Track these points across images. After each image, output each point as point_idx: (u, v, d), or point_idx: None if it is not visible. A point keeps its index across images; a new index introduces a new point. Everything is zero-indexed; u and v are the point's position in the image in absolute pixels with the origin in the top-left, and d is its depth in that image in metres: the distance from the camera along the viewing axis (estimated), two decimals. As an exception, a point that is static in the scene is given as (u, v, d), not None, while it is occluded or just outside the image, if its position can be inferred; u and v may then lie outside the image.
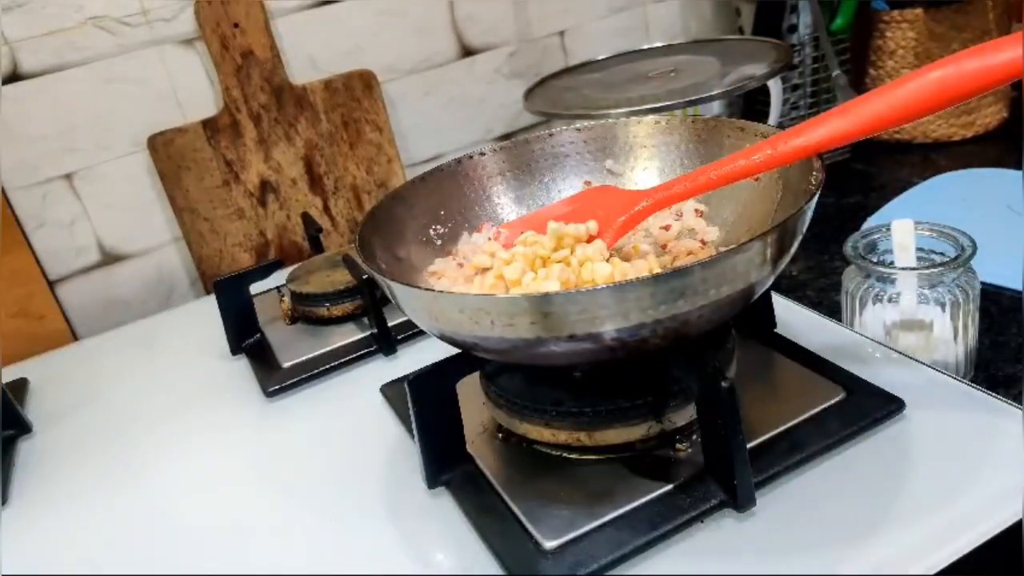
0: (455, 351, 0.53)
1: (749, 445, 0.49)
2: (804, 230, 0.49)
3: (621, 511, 0.48)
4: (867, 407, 0.53)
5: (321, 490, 0.58)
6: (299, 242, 1.02)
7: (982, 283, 0.61)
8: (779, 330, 0.63)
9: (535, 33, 1.12)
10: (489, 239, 0.61)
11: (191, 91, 0.96)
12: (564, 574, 0.45)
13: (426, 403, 0.53)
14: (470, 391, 0.57)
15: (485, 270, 0.55)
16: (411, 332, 0.75)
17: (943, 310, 0.60)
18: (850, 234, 0.65)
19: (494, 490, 0.52)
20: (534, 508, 0.50)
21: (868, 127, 0.47)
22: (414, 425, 0.53)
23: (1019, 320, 0.68)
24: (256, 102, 0.98)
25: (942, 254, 0.62)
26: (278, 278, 0.83)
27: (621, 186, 0.65)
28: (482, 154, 0.67)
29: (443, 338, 0.51)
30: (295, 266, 0.85)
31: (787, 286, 0.79)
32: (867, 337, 0.62)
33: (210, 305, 0.81)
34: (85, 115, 0.92)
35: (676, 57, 1.02)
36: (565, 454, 0.54)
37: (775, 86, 0.95)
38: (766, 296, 0.63)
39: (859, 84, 1.09)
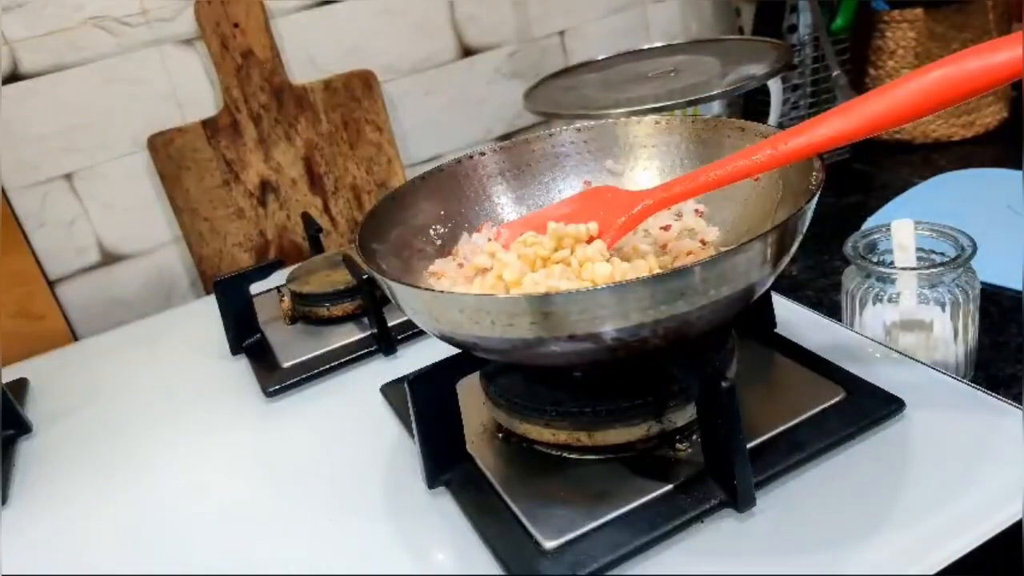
0: (455, 351, 0.53)
1: (749, 445, 0.49)
2: (804, 230, 0.49)
3: (621, 511, 0.48)
4: (867, 407, 0.53)
5: (321, 490, 0.58)
6: (299, 242, 1.02)
7: (982, 283, 0.61)
8: (779, 330, 0.63)
9: (535, 33, 1.12)
10: (489, 239, 0.61)
11: (191, 91, 0.96)
12: (564, 574, 0.45)
13: (426, 403, 0.53)
14: (470, 391, 0.57)
15: (485, 270, 0.55)
16: (411, 332, 0.75)
17: (943, 310, 0.60)
18: (850, 234, 0.65)
19: (494, 490, 0.52)
20: (534, 508, 0.50)
21: (868, 127, 0.47)
22: (414, 425, 0.53)
23: (1019, 320, 0.68)
24: (256, 102, 0.98)
25: (942, 254, 0.62)
26: (278, 278, 0.83)
27: (621, 186, 0.65)
28: (482, 154, 0.67)
29: (443, 338, 0.51)
30: (295, 266, 0.85)
31: (787, 286, 0.79)
32: (867, 337, 0.62)
33: (210, 305, 0.81)
34: (85, 115, 0.92)
35: (676, 57, 1.02)
36: (565, 454, 0.54)
37: (775, 86, 0.95)
38: (766, 296, 0.63)
39: (859, 84, 1.09)
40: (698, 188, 0.52)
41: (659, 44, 1.09)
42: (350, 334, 0.77)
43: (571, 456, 0.54)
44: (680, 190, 0.53)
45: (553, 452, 0.54)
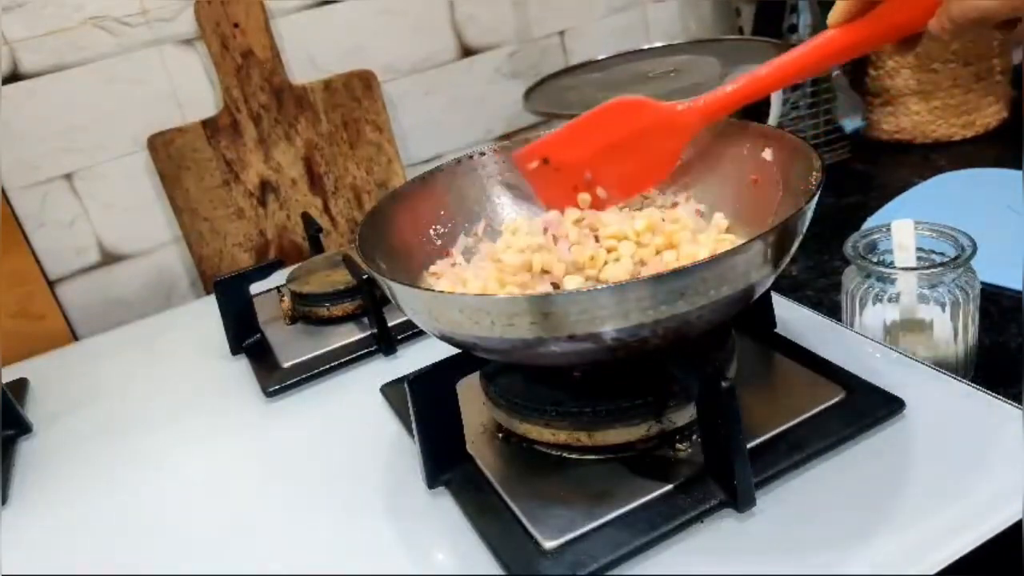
0: (455, 351, 0.53)
1: (749, 445, 0.49)
2: (804, 230, 0.49)
3: (621, 511, 0.48)
4: (867, 407, 0.53)
5: (321, 490, 0.58)
6: (299, 242, 1.02)
7: (982, 283, 0.61)
8: (779, 330, 0.63)
9: (535, 33, 1.12)
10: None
11: (191, 91, 0.96)
12: (564, 574, 0.45)
13: (426, 403, 0.53)
14: (470, 391, 0.57)
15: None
16: (411, 332, 0.75)
17: (943, 310, 0.60)
18: (850, 234, 0.65)
19: (494, 490, 0.52)
20: (534, 508, 0.50)
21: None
22: (414, 425, 0.53)
23: (1019, 320, 0.68)
24: (256, 102, 0.98)
25: (942, 254, 0.62)
26: (278, 278, 0.83)
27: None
28: (482, 154, 0.67)
29: (443, 338, 0.51)
30: (295, 266, 0.85)
31: (787, 286, 0.79)
32: (867, 337, 0.62)
33: (210, 305, 0.81)
34: (85, 115, 0.92)
35: (676, 57, 1.02)
36: (565, 454, 0.54)
37: (775, 86, 0.95)
38: (766, 296, 0.63)
39: (859, 84, 1.09)
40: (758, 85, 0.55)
41: (659, 44, 1.09)
42: (350, 334, 0.77)
43: (571, 456, 0.54)
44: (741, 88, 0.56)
45: (553, 452, 0.54)
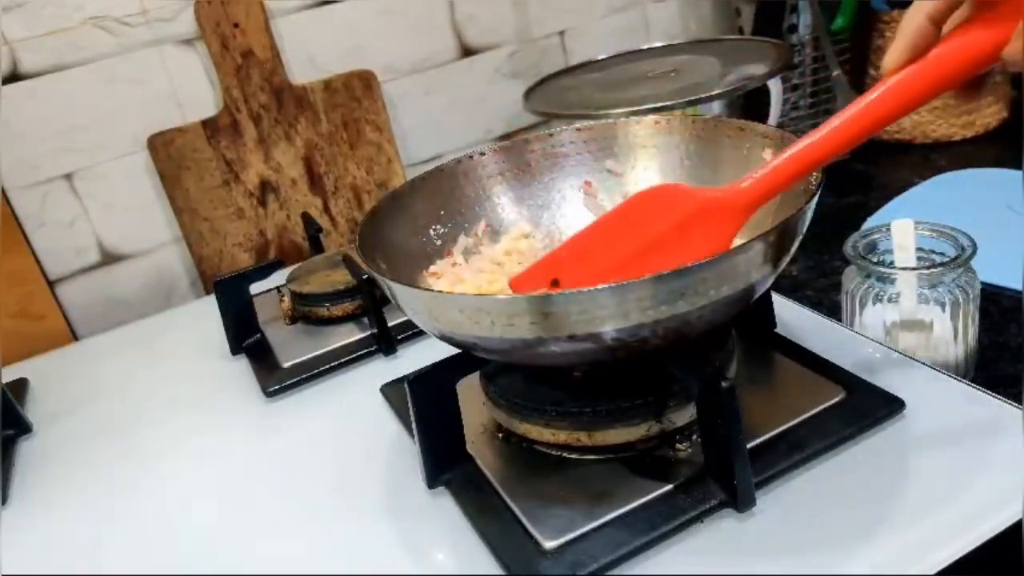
0: (455, 351, 0.53)
1: (749, 445, 0.49)
2: (804, 230, 0.49)
3: (621, 511, 0.48)
4: (867, 407, 0.53)
5: (321, 490, 0.58)
6: (299, 242, 1.02)
7: (982, 283, 0.61)
8: (779, 330, 0.63)
9: (535, 33, 1.12)
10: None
11: (191, 91, 0.96)
12: (564, 574, 0.45)
13: (426, 403, 0.53)
14: (470, 391, 0.57)
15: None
16: (411, 332, 0.75)
17: (943, 310, 0.60)
18: (850, 234, 0.65)
19: (494, 490, 0.52)
20: (534, 508, 0.50)
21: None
22: (414, 425, 0.53)
23: (1019, 320, 0.68)
24: (256, 102, 0.98)
25: (942, 254, 0.62)
26: (278, 278, 0.83)
27: (621, 186, 0.65)
28: (482, 154, 0.67)
29: (443, 338, 0.51)
30: (295, 266, 0.85)
31: (787, 286, 0.79)
32: (867, 337, 0.62)
33: (210, 305, 0.81)
34: (85, 115, 0.92)
35: (676, 57, 1.02)
36: (565, 454, 0.54)
37: (775, 86, 0.95)
38: (766, 296, 0.63)
39: (859, 84, 1.09)
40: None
41: (659, 44, 1.09)
42: (350, 334, 0.77)
43: (571, 456, 0.54)
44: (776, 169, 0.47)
45: (553, 452, 0.54)
